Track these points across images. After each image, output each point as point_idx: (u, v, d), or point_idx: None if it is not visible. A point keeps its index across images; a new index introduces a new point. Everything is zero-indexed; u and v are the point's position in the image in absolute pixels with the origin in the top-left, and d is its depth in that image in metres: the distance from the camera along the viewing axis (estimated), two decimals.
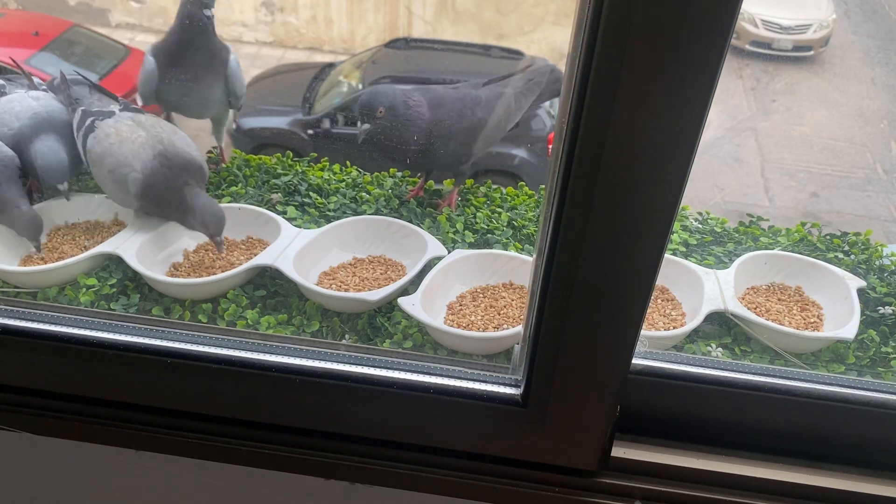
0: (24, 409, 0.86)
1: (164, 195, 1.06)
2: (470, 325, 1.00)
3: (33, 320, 0.84)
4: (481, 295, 1.05)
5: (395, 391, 0.78)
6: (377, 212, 1.18)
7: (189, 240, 1.11)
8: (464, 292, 1.05)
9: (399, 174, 1.27)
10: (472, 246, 1.12)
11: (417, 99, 1.14)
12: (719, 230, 1.19)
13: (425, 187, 1.23)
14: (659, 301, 1.06)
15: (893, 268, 1.13)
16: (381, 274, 1.07)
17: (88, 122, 1.10)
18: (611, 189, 0.60)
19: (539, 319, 0.69)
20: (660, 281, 0.98)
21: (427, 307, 0.97)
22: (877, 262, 1.13)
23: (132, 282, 1.05)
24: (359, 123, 1.12)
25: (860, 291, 1.06)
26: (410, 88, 1.15)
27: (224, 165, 1.26)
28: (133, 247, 1.05)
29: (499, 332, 0.98)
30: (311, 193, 1.20)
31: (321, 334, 0.98)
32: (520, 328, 0.96)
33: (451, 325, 0.99)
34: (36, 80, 1.24)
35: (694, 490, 0.80)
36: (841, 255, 1.15)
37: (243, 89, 1.23)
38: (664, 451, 0.81)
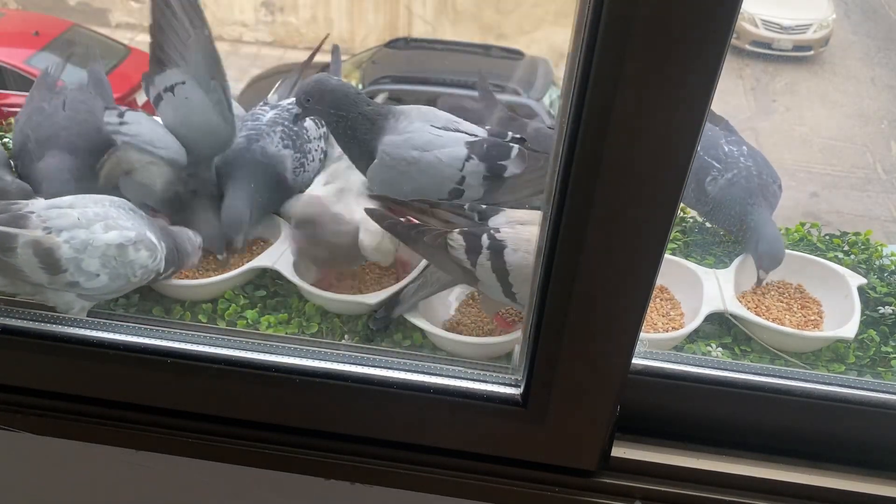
0: (24, 409, 0.86)
1: None
2: (470, 329, 1.00)
3: (33, 320, 0.84)
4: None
5: (395, 391, 0.78)
6: None
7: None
8: (464, 296, 1.05)
9: None
10: None
11: None
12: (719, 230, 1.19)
13: None
14: (659, 301, 1.06)
15: (893, 267, 1.13)
16: (381, 275, 1.07)
17: None
18: (611, 189, 0.60)
19: (539, 320, 0.69)
20: (660, 281, 0.97)
21: (426, 310, 0.97)
22: (877, 262, 1.13)
23: None
24: None
25: (860, 291, 1.05)
26: None
27: None
28: None
29: (499, 338, 0.97)
30: None
31: (321, 334, 0.97)
32: (519, 330, 0.96)
33: (451, 331, 0.98)
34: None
35: (694, 490, 0.80)
36: (841, 255, 1.15)
37: None
38: (664, 451, 0.81)
